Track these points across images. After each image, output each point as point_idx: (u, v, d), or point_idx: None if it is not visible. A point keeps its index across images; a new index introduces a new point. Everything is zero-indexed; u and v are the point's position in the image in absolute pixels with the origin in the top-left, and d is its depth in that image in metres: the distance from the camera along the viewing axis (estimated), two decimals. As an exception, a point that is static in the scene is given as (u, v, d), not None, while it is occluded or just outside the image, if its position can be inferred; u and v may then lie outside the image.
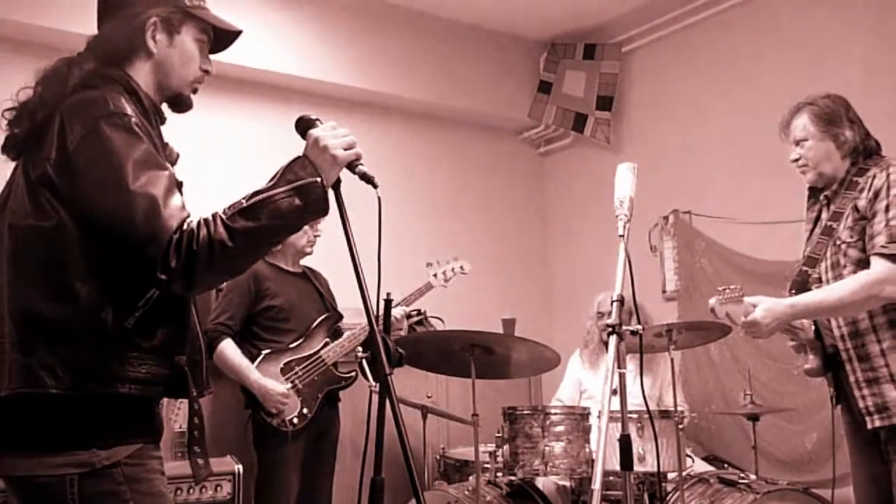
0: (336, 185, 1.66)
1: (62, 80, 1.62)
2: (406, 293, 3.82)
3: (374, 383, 1.53)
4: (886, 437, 2.40)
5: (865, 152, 2.56)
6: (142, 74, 1.71)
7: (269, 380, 3.45)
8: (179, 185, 1.61)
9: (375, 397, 1.56)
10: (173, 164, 1.74)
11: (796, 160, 2.63)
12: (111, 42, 1.70)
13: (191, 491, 3.01)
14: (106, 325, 1.49)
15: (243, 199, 1.54)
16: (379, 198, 1.66)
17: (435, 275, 3.94)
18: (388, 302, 1.66)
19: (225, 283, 3.44)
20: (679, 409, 3.41)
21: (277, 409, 3.39)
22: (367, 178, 1.69)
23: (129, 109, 1.56)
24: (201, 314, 1.74)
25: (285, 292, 3.64)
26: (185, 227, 1.47)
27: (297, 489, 3.54)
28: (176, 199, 1.51)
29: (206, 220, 1.50)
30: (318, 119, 1.73)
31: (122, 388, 1.50)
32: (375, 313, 1.51)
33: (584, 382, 4.32)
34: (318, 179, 1.59)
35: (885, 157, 2.56)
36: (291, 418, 3.44)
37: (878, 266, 2.35)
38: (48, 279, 1.50)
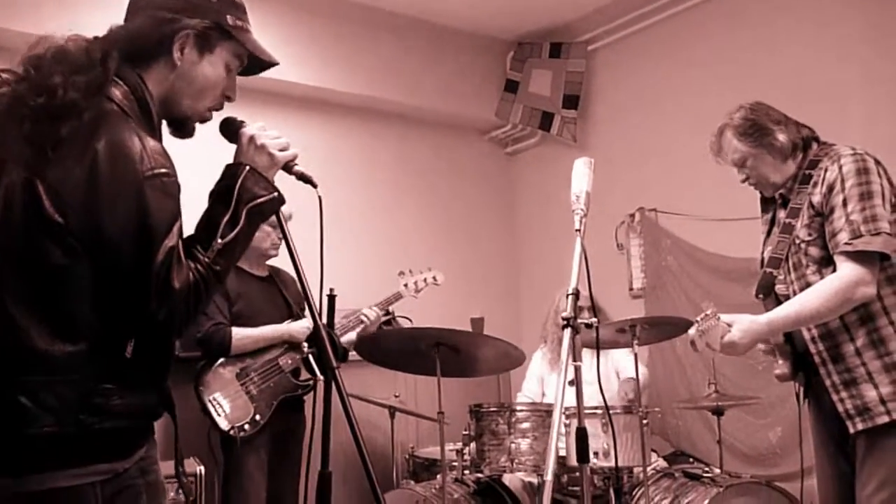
0: None
1: (90, 77, 1.50)
2: (368, 293, 3.83)
3: (320, 377, 1.52)
4: (866, 438, 2.31)
5: (805, 143, 2.50)
6: (155, 82, 1.61)
7: (294, 324, 3.63)
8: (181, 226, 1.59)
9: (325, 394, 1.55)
10: None
11: (745, 180, 2.58)
12: (137, 40, 1.59)
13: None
14: (108, 359, 1.47)
15: (220, 237, 1.55)
16: (319, 197, 1.68)
17: (406, 284, 3.96)
18: (332, 297, 1.66)
19: None
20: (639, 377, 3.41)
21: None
22: (304, 178, 1.70)
23: (164, 159, 1.50)
24: None
25: (247, 296, 3.61)
26: (191, 291, 1.49)
27: (263, 492, 3.51)
28: (182, 261, 1.50)
29: (198, 270, 1.51)
30: (244, 121, 1.72)
31: (120, 422, 1.49)
32: (319, 309, 1.51)
33: (545, 381, 4.33)
34: (276, 194, 1.64)
35: (834, 145, 2.46)
36: (242, 424, 3.41)
37: (847, 269, 2.28)
38: (50, 315, 1.45)
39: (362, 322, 3.72)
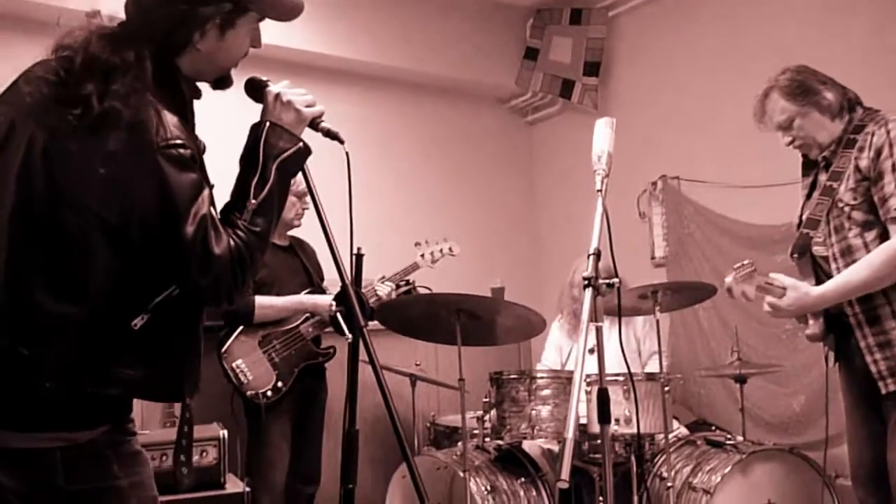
0: None
1: (130, 83, 1.47)
2: (389, 263, 3.83)
3: (349, 336, 1.52)
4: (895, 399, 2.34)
5: (850, 105, 2.50)
6: (187, 63, 1.61)
7: (319, 297, 3.62)
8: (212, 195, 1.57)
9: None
10: (201, 154, 1.65)
11: (791, 143, 2.57)
12: (160, 30, 1.55)
13: (176, 457, 3.02)
14: (113, 325, 1.47)
15: (253, 198, 1.55)
16: (347, 153, 1.66)
17: (422, 255, 3.96)
18: (360, 256, 1.66)
19: None
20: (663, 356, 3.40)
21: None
22: (331, 135, 1.69)
23: (179, 131, 1.48)
24: None
25: (269, 265, 3.62)
26: (234, 256, 1.49)
27: (287, 457, 3.56)
28: (220, 228, 1.50)
29: (237, 235, 1.52)
30: (268, 80, 1.71)
31: (115, 390, 1.49)
32: (347, 269, 1.51)
33: (563, 350, 4.31)
34: (302, 144, 1.63)
35: (879, 111, 2.48)
36: (265, 391, 3.44)
37: None
38: (58, 275, 1.45)
39: (377, 295, 3.73)
